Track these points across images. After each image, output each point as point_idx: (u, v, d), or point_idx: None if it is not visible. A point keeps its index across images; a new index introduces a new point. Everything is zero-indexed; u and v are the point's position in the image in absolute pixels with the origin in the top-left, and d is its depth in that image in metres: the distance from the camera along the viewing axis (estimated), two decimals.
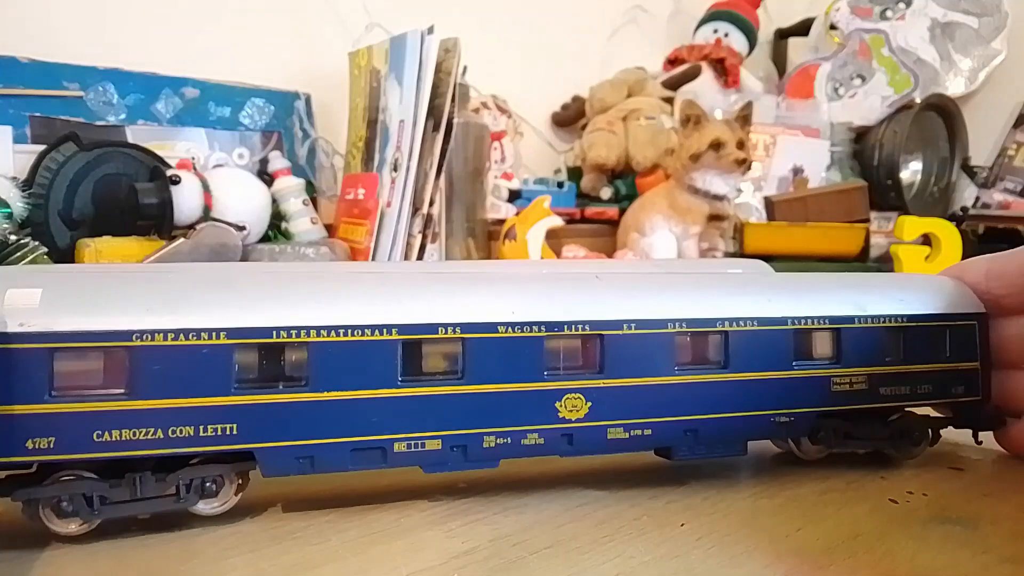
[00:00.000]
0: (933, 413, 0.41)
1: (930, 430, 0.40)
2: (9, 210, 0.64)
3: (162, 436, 0.28)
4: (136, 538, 0.30)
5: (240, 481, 0.31)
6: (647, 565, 0.28)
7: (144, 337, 0.27)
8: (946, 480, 0.38)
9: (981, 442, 0.41)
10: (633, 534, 0.31)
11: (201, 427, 0.28)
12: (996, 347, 0.40)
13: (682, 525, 0.32)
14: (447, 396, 0.31)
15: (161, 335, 0.27)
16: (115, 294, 0.28)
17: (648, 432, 0.34)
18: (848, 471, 0.38)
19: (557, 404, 0.33)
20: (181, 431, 0.28)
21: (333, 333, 0.29)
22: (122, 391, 0.27)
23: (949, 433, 0.41)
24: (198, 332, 0.28)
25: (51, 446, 0.27)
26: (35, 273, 0.29)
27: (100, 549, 0.29)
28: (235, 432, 0.29)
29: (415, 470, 0.32)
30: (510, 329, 0.32)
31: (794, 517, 0.33)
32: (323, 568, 0.28)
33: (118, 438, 0.27)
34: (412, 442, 0.31)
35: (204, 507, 0.30)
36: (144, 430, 0.27)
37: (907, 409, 0.39)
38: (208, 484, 0.30)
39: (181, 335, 0.28)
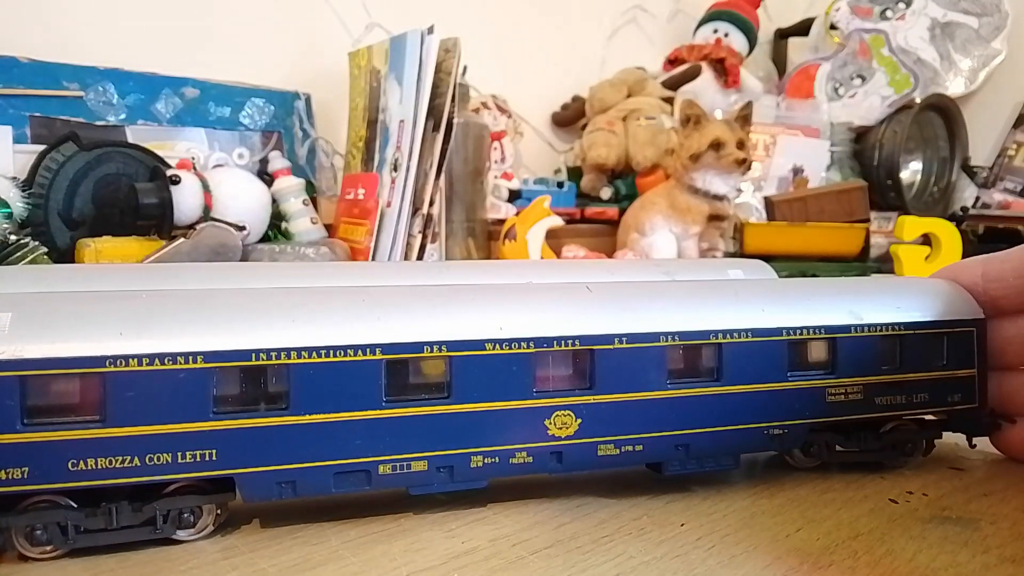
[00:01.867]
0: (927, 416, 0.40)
1: (924, 440, 0.40)
2: (9, 210, 0.64)
3: (139, 464, 0.27)
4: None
5: (219, 511, 0.30)
6: (647, 565, 0.28)
7: (117, 363, 0.26)
8: (946, 480, 0.38)
9: (975, 446, 0.41)
10: (633, 534, 0.31)
11: (179, 454, 0.27)
12: (994, 349, 0.39)
13: (682, 525, 0.32)
14: (433, 416, 0.31)
15: (135, 360, 0.27)
16: (87, 318, 0.27)
17: (639, 448, 0.33)
18: (848, 471, 0.38)
19: (546, 422, 0.32)
20: (158, 458, 0.27)
21: (315, 354, 0.29)
22: (96, 418, 0.27)
23: (949, 434, 0.40)
24: (174, 356, 0.27)
25: (25, 476, 0.26)
26: (3, 296, 0.28)
27: (101, 549, 0.28)
28: (214, 458, 0.28)
29: None
30: (498, 346, 0.31)
31: (794, 517, 0.33)
32: (323, 568, 0.28)
33: (93, 466, 0.27)
34: (397, 464, 0.30)
35: (182, 534, 0.30)
36: (120, 458, 0.27)
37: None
38: (186, 515, 0.29)
39: (156, 360, 0.27)
